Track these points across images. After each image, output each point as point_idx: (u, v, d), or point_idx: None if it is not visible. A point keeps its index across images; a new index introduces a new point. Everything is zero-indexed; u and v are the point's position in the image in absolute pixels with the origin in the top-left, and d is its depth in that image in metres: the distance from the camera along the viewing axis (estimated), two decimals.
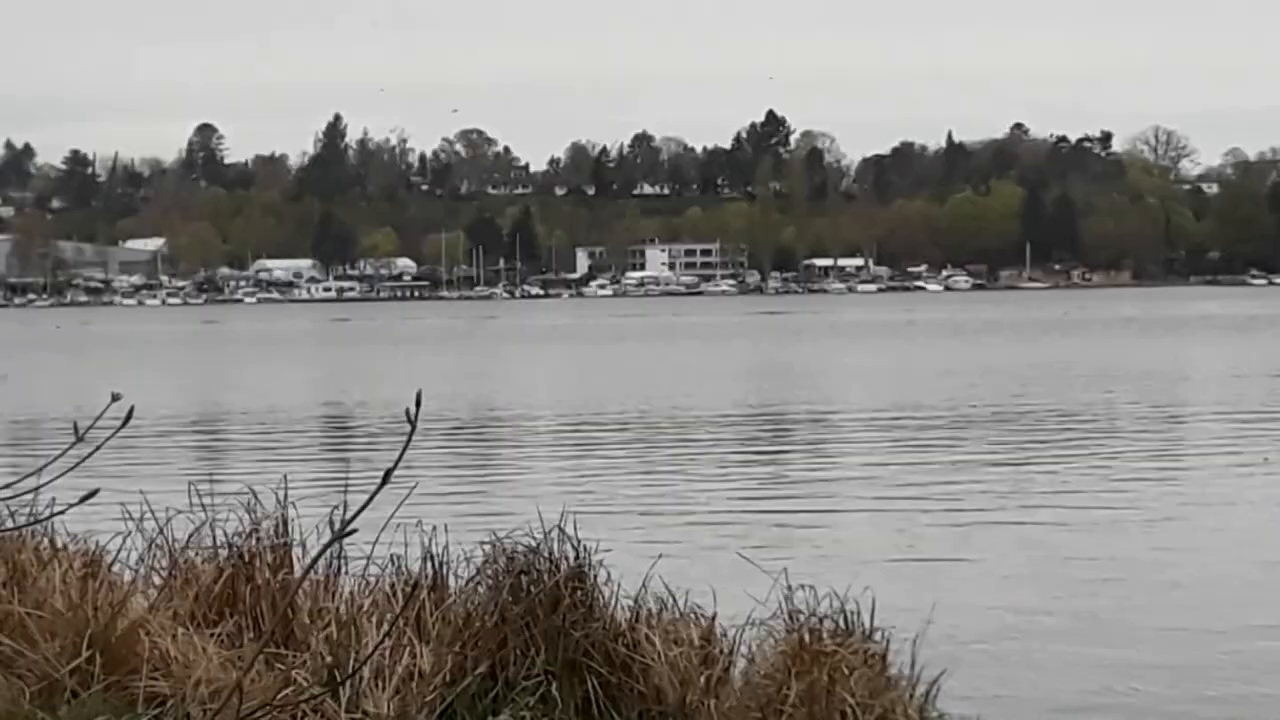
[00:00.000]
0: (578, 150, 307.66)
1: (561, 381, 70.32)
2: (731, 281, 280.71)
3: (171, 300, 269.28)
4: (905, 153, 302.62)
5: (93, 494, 5.81)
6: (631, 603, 13.68)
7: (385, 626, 13.55)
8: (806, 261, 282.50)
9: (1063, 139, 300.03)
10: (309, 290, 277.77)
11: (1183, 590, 21.45)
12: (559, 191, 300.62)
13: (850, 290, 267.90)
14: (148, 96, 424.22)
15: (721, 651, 13.71)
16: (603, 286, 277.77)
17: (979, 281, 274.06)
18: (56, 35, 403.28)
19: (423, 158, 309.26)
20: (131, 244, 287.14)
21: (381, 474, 4.94)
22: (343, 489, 13.70)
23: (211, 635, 13.68)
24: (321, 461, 38.70)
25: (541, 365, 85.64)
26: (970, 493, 30.68)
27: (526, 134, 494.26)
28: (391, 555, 14.40)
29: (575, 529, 13.51)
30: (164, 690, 13.17)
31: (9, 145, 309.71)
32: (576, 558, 13.53)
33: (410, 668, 13.17)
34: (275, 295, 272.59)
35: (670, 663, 13.38)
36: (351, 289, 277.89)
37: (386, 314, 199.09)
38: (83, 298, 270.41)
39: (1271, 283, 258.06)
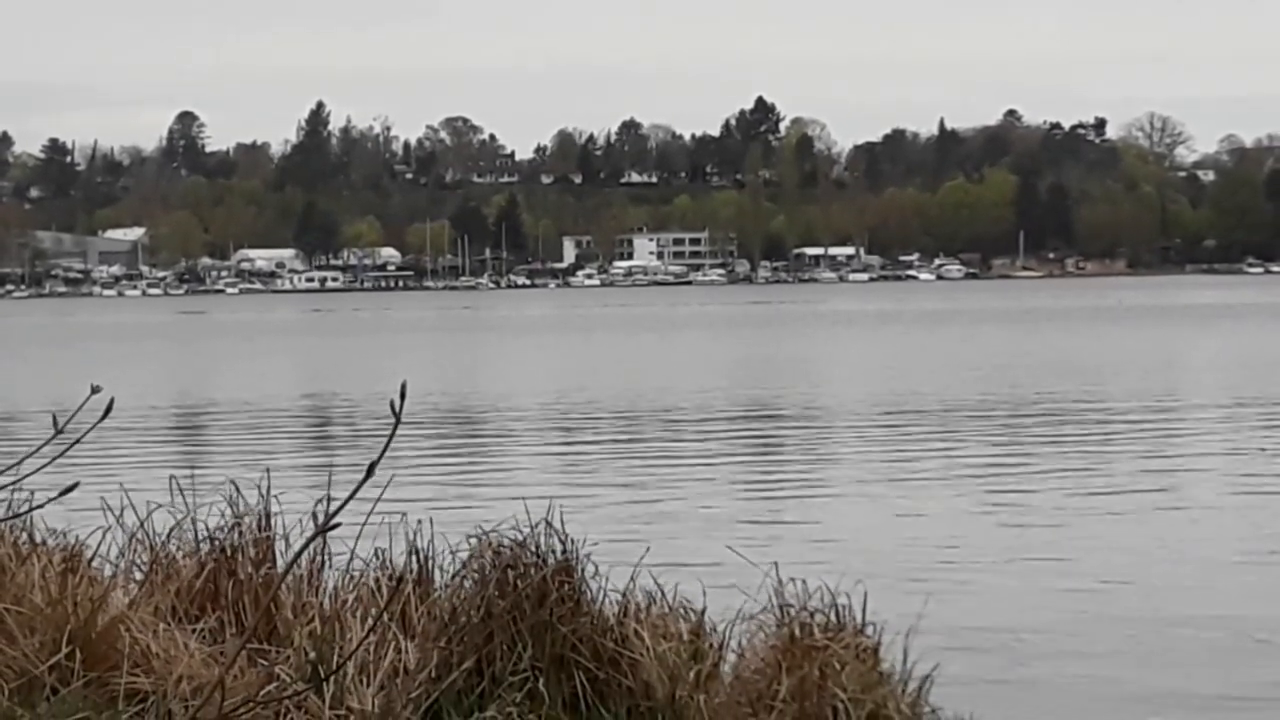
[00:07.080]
0: (564, 138, 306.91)
1: (548, 373, 70.14)
2: (721, 271, 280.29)
3: (152, 291, 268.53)
4: (897, 140, 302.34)
5: (72, 488, 5.72)
6: (620, 597, 13.57)
7: (369, 622, 13.49)
8: (797, 251, 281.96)
9: (1056, 126, 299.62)
10: (291, 281, 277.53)
11: (1181, 583, 21.31)
12: (545, 180, 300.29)
13: (841, 280, 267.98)
14: (127, 84, 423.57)
15: (711, 646, 13.62)
16: (590, 276, 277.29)
17: (972, 271, 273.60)
18: (34, 22, 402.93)
19: (407, 146, 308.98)
20: (111, 234, 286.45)
21: (365, 467, 4.82)
22: (326, 482, 13.50)
23: (193, 631, 13.57)
24: (305, 454, 38.53)
25: (527, 356, 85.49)
26: (965, 485, 30.51)
27: (512, 122, 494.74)
28: (376, 550, 14.31)
29: (562, 522, 13.36)
30: (145, 687, 13.05)
31: None
32: (564, 551, 13.40)
33: (395, 663, 13.07)
34: (257, 286, 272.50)
35: (659, 657, 13.25)
36: (335, 279, 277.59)
37: (370, 304, 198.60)
38: (61, 288, 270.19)
39: (1269, 271, 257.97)
